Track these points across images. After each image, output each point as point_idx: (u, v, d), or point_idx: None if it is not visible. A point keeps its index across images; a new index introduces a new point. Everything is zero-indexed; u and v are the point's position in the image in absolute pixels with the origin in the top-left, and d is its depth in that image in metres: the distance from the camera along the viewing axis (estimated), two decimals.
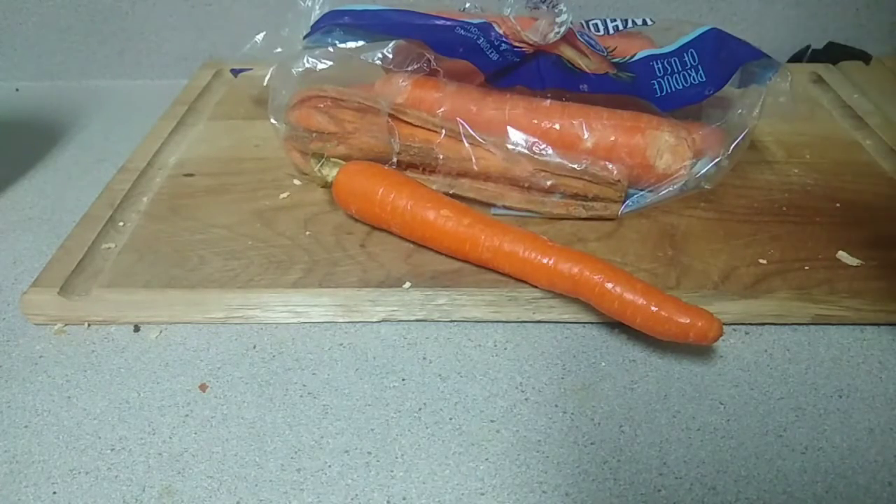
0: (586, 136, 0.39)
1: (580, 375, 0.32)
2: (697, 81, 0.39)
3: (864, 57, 0.57)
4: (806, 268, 0.36)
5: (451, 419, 0.30)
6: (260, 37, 0.47)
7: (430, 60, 0.41)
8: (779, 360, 0.33)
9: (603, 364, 0.33)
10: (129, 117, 0.55)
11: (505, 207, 0.40)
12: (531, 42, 0.39)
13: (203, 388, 0.32)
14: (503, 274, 0.35)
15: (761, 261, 0.37)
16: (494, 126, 0.40)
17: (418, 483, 0.28)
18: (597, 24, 0.44)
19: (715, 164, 0.40)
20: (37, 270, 0.36)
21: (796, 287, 0.35)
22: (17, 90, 0.61)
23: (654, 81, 0.40)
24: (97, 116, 0.56)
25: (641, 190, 0.40)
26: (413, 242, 0.38)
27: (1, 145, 0.52)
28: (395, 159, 0.40)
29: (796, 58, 0.59)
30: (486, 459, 0.29)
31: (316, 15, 0.44)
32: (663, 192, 0.39)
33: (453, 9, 0.44)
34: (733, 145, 0.40)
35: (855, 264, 0.36)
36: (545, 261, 0.33)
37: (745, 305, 0.34)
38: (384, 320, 0.35)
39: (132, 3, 0.58)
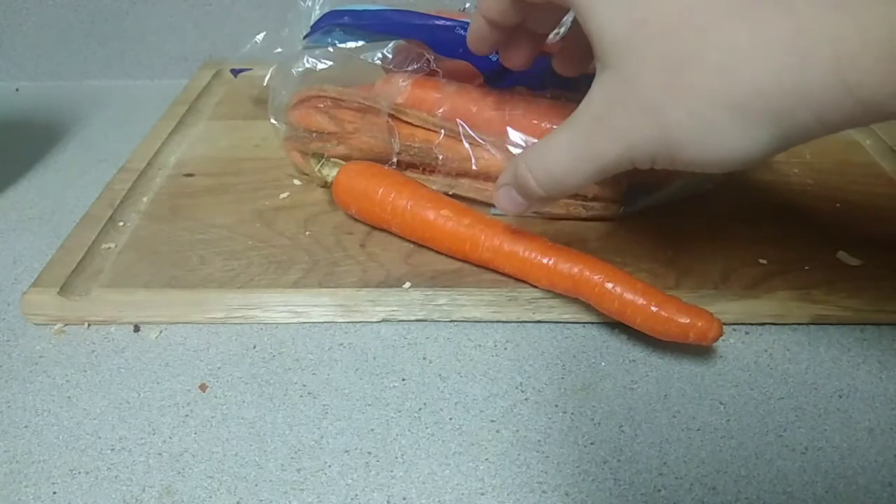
0: None
1: (580, 375, 0.32)
2: None
3: None
4: (806, 268, 0.36)
5: (451, 419, 0.30)
6: (260, 37, 0.48)
7: (429, 60, 0.41)
8: (779, 360, 0.33)
9: (603, 364, 0.33)
10: (129, 117, 0.55)
11: None
12: None
13: (203, 388, 0.32)
14: (503, 274, 0.35)
15: (761, 261, 0.37)
16: (494, 126, 0.40)
17: (418, 483, 0.28)
18: None
19: None
20: (37, 270, 0.36)
21: (796, 287, 0.35)
22: (17, 90, 0.61)
23: None
24: (97, 116, 0.56)
25: (642, 190, 0.40)
26: (413, 242, 0.38)
27: (1, 145, 0.52)
28: (395, 159, 0.40)
29: None
30: (486, 459, 0.29)
31: (316, 15, 0.44)
32: (664, 192, 0.39)
33: (453, 9, 0.44)
34: None
35: (855, 264, 0.36)
36: (545, 261, 0.33)
37: (745, 305, 0.34)
38: (384, 320, 0.35)
39: (132, 3, 0.58)
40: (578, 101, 0.27)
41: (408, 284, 0.35)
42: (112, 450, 0.29)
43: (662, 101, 0.23)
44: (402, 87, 0.41)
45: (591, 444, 0.29)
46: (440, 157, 0.40)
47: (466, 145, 0.39)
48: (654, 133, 0.23)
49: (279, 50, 0.46)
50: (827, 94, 0.20)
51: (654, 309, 0.30)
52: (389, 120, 0.40)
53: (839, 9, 0.19)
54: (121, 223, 0.40)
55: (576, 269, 0.32)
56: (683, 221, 0.40)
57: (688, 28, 0.22)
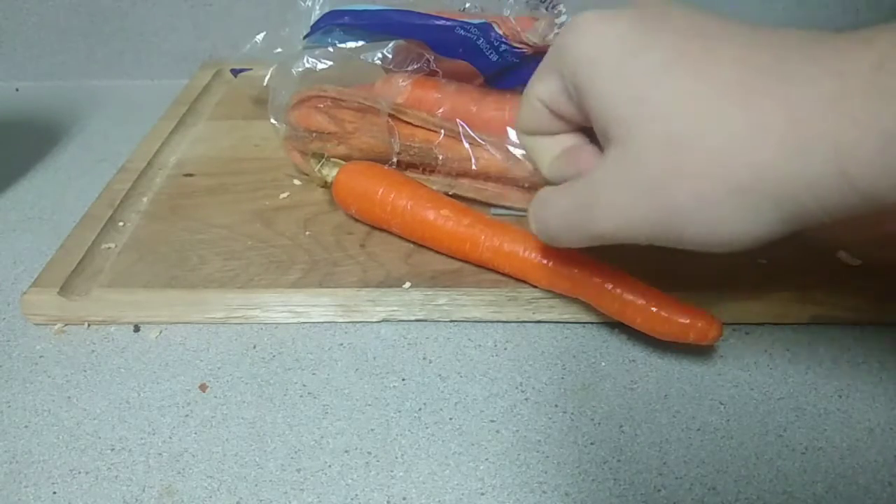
0: None
1: (580, 375, 0.32)
2: None
3: None
4: (806, 268, 0.36)
5: (451, 419, 0.30)
6: (260, 37, 0.48)
7: (429, 60, 0.41)
8: (779, 360, 0.33)
9: (603, 364, 0.33)
10: (129, 117, 0.55)
11: (505, 207, 0.40)
12: (531, 43, 0.39)
13: (203, 388, 0.32)
14: (503, 274, 0.35)
15: (761, 261, 0.37)
16: (494, 126, 0.40)
17: (418, 483, 0.28)
18: None
19: None
20: (37, 270, 0.36)
21: (796, 287, 0.35)
22: (17, 90, 0.61)
23: None
24: (97, 116, 0.56)
25: None
26: (413, 242, 0.38)
27: (1, 145, 0.52)
28: (395, 159, 0.40)
29: None
30: (486, 459, 0.29)
31: (316, 15, 0.44)
32: None
33: (453, 9, 0.44)
34: None
35: (855, 264, 0.36)
36: (545, 261, 0.33)
37: (745, 305, 0.34)
38: (384, 320, 0.35)
39: (132, 3, 0.58)
40: None
41: (408, 284, 0.35)
42: (112, 450, 0.29)
43: (666, 183, 0.23)
44: (402, 87, 0.41)
45: (591, 444, 0.29)
46: (440, 157, 0.40)
47: (466, 145, 0.39)
48: (656, 213, 0.24)
49: (279, 50, 0.46)
50: (828, 183, 0.20)
51: (654, 309, 0.30)
52: (389, 120, 0.40)
53: (834, 104, 0.20)
54: (121, 223, 0.40)
55: (576, 269, 0.32)
56: None
57: (686, 112, 0.22)
